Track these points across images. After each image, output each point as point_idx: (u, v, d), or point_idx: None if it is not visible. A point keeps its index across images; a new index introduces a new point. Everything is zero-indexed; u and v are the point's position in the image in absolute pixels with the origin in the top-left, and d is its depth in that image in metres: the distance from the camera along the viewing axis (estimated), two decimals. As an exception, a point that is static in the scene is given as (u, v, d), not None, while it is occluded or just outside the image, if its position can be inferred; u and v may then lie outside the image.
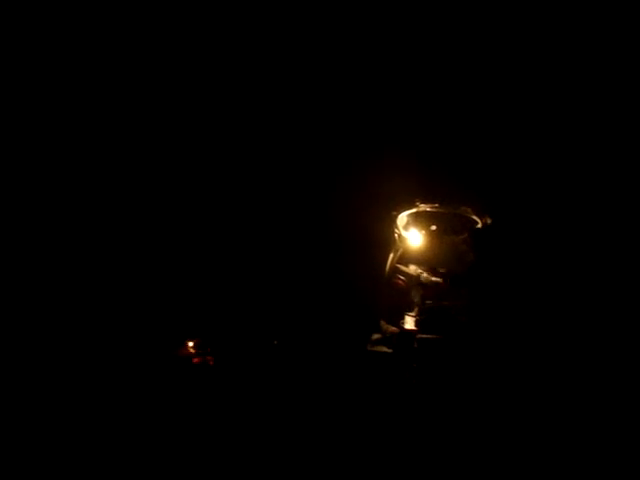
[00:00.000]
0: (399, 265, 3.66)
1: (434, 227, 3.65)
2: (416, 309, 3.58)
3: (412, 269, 3.66)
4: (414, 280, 3.63)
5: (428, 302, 3.60)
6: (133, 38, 3.78)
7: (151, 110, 3.88)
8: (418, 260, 3.68)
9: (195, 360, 3.62)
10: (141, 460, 3.21)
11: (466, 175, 3.76)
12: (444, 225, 3.65)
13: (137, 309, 3.77)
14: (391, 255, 3.68)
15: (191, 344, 3.65)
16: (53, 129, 3.85)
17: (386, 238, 3.70)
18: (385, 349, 3.55)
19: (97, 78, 3.86)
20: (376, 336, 3.62)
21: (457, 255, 3.64)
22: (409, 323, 3.55)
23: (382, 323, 3.64)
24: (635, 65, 3.62)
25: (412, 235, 3.68)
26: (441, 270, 3.65)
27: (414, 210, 3.63)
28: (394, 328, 3.59)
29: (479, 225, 3.60)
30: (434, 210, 3.63)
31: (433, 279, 3.63)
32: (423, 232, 3.67)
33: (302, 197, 3.98)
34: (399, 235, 3.68)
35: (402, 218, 3.65)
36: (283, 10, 3.77)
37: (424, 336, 3.50)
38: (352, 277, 3.80)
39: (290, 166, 3.98)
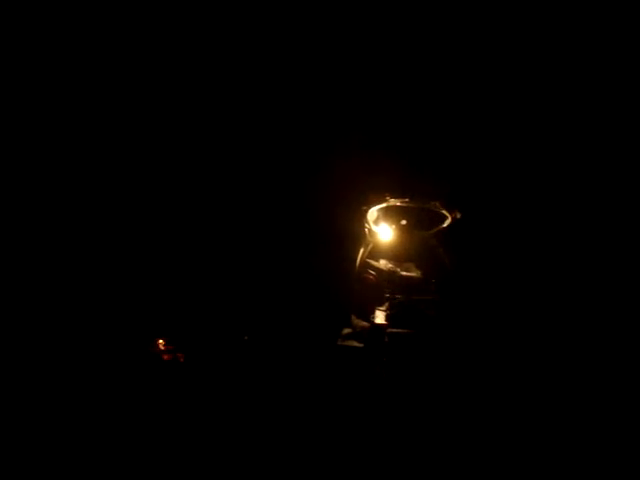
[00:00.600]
0: (369, 260, 3.62)
1: (404, 222, 3.61)
2: (386, 304, 3.55)
3: (382, 264, 3.63)
4: (385, 275, 3.59)
5: (398, 297, 3.57)
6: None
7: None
8: (388, 255, 3.64)
9: (165, 357, 3.60)
10: (112, 459, 3.20)
11: (436, 170, 3.73)
12: (414, 220, 3.61)
13: (105, 307, 3.71)
14: (361, 250, 3.63)
15: (161, 341, 3.62)
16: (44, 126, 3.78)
17: (356, 233, 3.65)
18: (356, 343, 3.52)
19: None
20: (347, 331, 3.58)
21: (427, 250, 3.62)
22: (379, 317, 3.50)
23: (353, 318, 3.60)
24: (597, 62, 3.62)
25: (382, 230, 3.63)
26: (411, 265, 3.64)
27: (384, 205, 3.59)
28: (365, 323, 3.56)
29: (449, 220, 3.59)
30: (404, 205, 3.59)
31: (403, 274, 3.60)
32: (393, 227, 3.62)
33: (271, 192, 3.92)
34: (369, 230, 3.63)
35: (372, 213, 3.61)
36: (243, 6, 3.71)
37: (394, 330, 3.49)
38: (322, 272, 3.77)
39: (258, 160, 3.92)
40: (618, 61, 3.50)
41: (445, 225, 3.57)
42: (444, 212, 3.57)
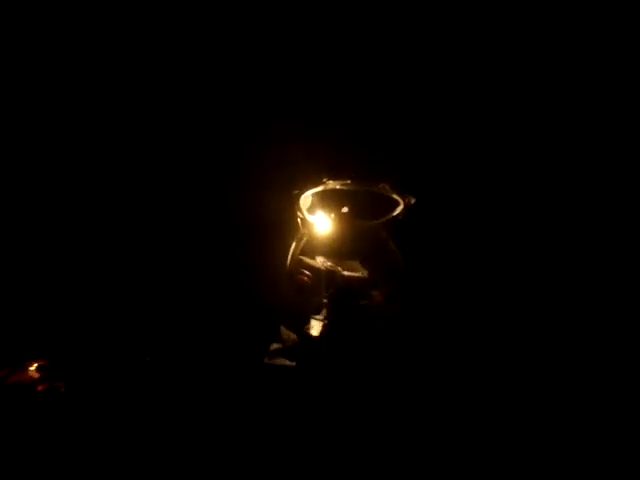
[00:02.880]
0: (303, 257, 3.37)
1: (346, 209, 3.36)
2: (324, 311, 3.27)
3: (320, 262, 3.37)
4: (322, 275, 3.35)
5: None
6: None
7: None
8: (327, 250, 3.41)
9: (40, 388, 3.05)
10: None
11: (385, 143, 3.39)
12: (358, 207, 3.36)
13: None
14: (293, 245, 3.36)
15: (33, 367, 3.11)
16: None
17: (286, 224, 3.38)
18: (287, 362, 3.23)
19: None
20: (275, 346, 3.28)
21: (375, 244, 3.36)
22: (316, 329, 3.28)
23: (282, 329, 3.32)
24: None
25: (319, 219, 3.36)
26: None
27: (321, 188, 3.31)
28: (297, 336, 3.30)
29: (401, 206, 3.29)
30: (345, 188, 3.31)
31: (346, 273, 3.33)
32: (332, 216, 3.36)
33: (181, 175, 3.45)
34: (302, 220, 3.34)
35: (306, 198, 3.32)
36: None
37: (335, 345, 3.12)
38: (245, 273, 3.45)
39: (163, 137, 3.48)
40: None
41: (397, 213, 3.30)
42: (395, 196, 3.29)
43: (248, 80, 3.47)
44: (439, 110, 3.32)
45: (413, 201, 3.28)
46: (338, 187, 3.30)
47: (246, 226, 3.45)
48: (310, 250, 3.39)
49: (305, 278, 3.33)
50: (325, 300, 3.29)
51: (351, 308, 3.20)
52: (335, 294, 3.22)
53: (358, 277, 3.34)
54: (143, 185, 3.51)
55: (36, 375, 3.08)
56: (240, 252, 3.44)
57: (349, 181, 3.30)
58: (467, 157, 3.38)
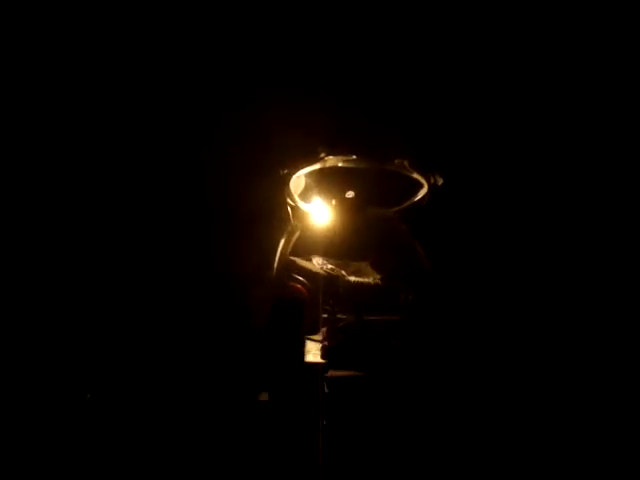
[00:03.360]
0: (295, 258, 2.90)
1: (351, 193, 2.86)
2: (324, 329, 2.77)
3: (317, 264, 2.87)
4: (321, 281, 2.85)
5: (343, 317, 2.79)
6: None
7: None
8: (327, 249, 2.91)
9: None
10: None
11: (402, 105, 2.80)
12: (367, 190, 2.86)
13: None
14: (282, 242, 2.89)
15: None
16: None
17: (272, 214, 2.89)
18: None
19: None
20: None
21: (390, 239, 2.87)
22: (313, 353, 2.78)
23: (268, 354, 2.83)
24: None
25: (315, 208, 2.87)
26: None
27: (317, 166, 2.82)
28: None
29: (425, 189, 2.78)
30: (350, 166, 2.83)
31: (352, 279, 2.80)
32: (333, 202, 2.86)
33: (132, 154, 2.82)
34: (294, 208, 2.85)
35: (298, 180, 2.85)
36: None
37: (337, 374, 2.66)
38: (217, 279, 2.90)
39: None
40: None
41: (419, 198, 2.82)
42: (417, 176, 2.80)
43: (215, 33, 2.88)
44: (473, 59, 2.67)
45: (441, 182, 2.77)
46: (340, 164, 2.82)
47: (220, 219, 2.92)
48: (305, 249, 2.90)
49: (298, 286, 2.85)
50: (325, 315, 2.75)
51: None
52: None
53: (368, 283, 2.81)
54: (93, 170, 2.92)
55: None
56: (213, 253, 2.89)
57: (354, 156, 2.79)
58: (511, 126, 2.75)
